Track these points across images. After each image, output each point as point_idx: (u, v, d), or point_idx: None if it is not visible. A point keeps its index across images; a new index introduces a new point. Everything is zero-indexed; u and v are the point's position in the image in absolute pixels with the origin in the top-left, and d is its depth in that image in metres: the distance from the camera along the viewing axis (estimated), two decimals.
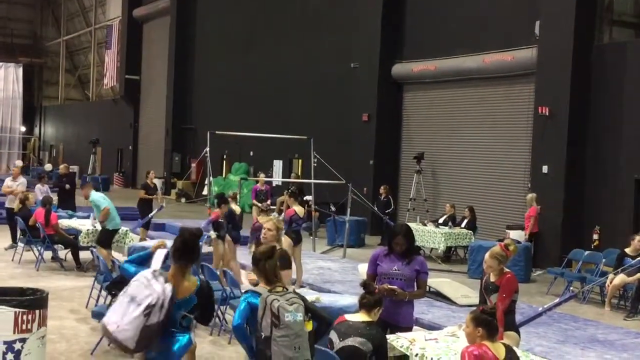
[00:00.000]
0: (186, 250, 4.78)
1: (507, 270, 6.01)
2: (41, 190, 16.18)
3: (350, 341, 5.18)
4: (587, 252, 13.26)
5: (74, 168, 41.18)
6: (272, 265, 4.80)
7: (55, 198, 15.01)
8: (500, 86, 18.08)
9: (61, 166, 19.79)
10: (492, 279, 5.96)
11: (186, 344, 4.68)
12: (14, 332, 5.63)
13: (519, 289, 6.03)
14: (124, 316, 4.51)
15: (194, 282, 4.77)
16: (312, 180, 17.42)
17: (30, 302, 5.79)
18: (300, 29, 25.21)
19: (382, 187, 18.32)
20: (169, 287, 4.54)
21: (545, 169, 15.83)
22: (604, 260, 12.69)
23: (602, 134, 15.34)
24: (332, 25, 23.51)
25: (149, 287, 4.52)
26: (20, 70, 49.53)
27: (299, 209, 11.86)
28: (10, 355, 5.65)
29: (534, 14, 16.43)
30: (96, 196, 12.26)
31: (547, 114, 15.63)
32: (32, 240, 13.20)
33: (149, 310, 4.45)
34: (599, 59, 15.49)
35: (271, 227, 6.55)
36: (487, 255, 6.02)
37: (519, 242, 13.08)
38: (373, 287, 5.64)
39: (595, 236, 15.02)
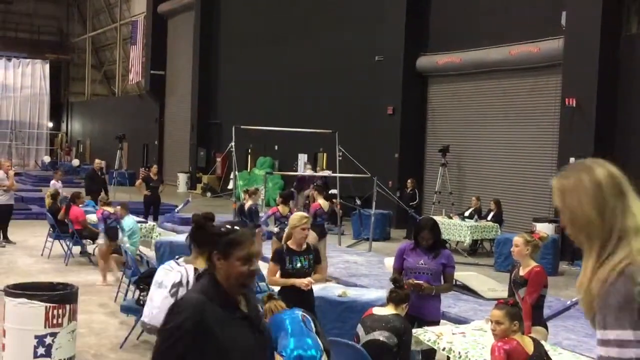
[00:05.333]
0: (193, 234, 4.91)
1: (536, 263, 5.96)
2: (55, 185, 16.39)
3: (376, 335, 5.20)
4: None
5: (102, 163, 41.65)
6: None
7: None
8: (526, 78, 17.92)
9: (98, 162, 20.09)
10: (521, 272, 5.92)
11: None
12: (45, 327, 5.72)
13: (547, 284, 5.96)
14: (155, 302, 4.63)
15: None
16: (337, 174, 17.40)
17: (61, 296, 5.87)
18: (324, 22, 25.16)
19: (409, 180, 18.28)
20: (190, 267, 4.67)
21: (572, 161, 15.64)
22: None
23: (630, 124, 15.15)
24: (356, 18, 23.45)
25: (173, 270, 4.64)
26: (47, 67, 50.03)
27: (323, 203, 11.85)
28: (41, 349, 5.74)
29: (559, 4, 16.25)
30: (129, 221, 12.03)
31: (575, 105, 15.47)
32: (61, 235, 13.36)
33: (175, 288, 4.58)
34: (627, 49, 15.29)
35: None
36: (516, 236, 5.98)
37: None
38: (403, 283, 5.65)
39: None
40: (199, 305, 2.70)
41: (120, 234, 11.90)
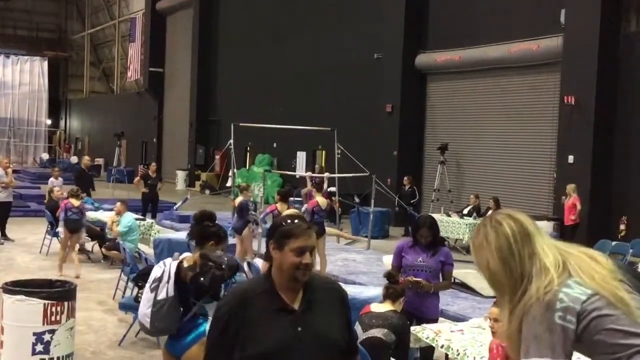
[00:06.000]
0: (192, 231, 4.91)
1: None
2: (53, 183, 16.37)
3: (374, 332, 5.19)
4: (614, 243, 13.12)
5: (99, 160, 41.66)
6: None
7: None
8: (525, 75, 17.92)
9: (87, 159, 20.09)
10: None
11: (200, 334, 4.67)
12: (44, 324, 5.71)
13: None
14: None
15: None
16: (336, 175, 17.39)
17: (59, 294, 5.87)
18: (323, 19, 25.15)
19: (405, 178, 18.25)
20: (174, 263, 4.62)
21: (571, 158, 15.69)
22: (631, 250, 12.56)
23: (629, 122, 15.16)
24: (355, 16, 23.43)
25: (161, 266, 4.63)
26: (46, 64, 49.97)
27: (321, 201, 11.83)
28: (39, 346, 5.73)
29: (559, 2, 16.25)
30: (128, 218, 12.06)
31: (573, 103, 15.47)
32: (59, 233, 13.34)
33: (155, 283, 4.54)
34: (626, 48, 15.29)
35: None
36: None
37: None
38: (397, 278, 5.65)
39: (623, 226, 14.86)
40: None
41: (109, 228, 11.90)
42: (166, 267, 4.60)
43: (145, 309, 4.55)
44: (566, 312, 2.20)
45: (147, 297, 4.57)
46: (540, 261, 2.30)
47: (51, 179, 17.24)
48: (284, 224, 2.90)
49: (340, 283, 3.20)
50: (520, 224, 2.37)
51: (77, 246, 12.34)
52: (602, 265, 2.33)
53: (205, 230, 4.83)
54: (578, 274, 2.28)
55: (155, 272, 4.62)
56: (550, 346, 2.20)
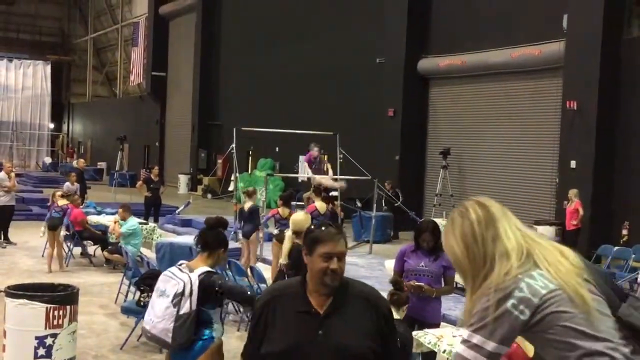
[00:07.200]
0: (204, 235, 4.90)
1: None
2: (69, 188, 16.34)
3: None
4: (616, 248, 13.12)
5: (102, 164, 41.69)
6: None
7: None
8: (527, 80, 17.93)
9: (80, 161, 20.19)
10: None
11: (205, 343, 4.64)
12: (46, 328, 5.72)
13: None
14: (156, 310, 4.58)
15: None
16: (338, 177, 17.37)
17: (62, 297, 5.88)
18: (325, 24, 25.17)
19: (386, 183, 18.04)
20: (194, 275, 4.57)
21: (573, 163, 15.67)
22: (633, 256, 12.55)
23: (631, 127, 15.15)
24: (357, 20, 23.45)
25: (175, 278, 4.58)
26: (49, 68, 50.04)
27: (320, 205, 11.82)
28: (41, 350, 5.74)
29: (561, 7, 16.25)
30: (132, 223, 12.03)
31: (575, 108, 15.47)
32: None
33: (177, 298, 4.50)
34: (628, 53, 15.30)
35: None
36: None
37: None
38: (403, 284, 5.64)
39: (625, 231, 14.84)
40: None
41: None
42: (185, 281, 4.54)
43: (167, 324, 4.50)
44: (521, 302, 2.21)
45: (168, 312, 4.50)
46: (503, 245, 2.31)
47: (67, 183, 17.21)
48: (314, 229, 2.94)
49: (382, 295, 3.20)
50: (487, 209, 2.40)
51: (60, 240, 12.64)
52: (569, 260, 2.31)
53: (219, 236, 4.85)
54: (544, 264, 2.27)
55: (174, 287, 4.54)
56: (490, 330, 2.23)
